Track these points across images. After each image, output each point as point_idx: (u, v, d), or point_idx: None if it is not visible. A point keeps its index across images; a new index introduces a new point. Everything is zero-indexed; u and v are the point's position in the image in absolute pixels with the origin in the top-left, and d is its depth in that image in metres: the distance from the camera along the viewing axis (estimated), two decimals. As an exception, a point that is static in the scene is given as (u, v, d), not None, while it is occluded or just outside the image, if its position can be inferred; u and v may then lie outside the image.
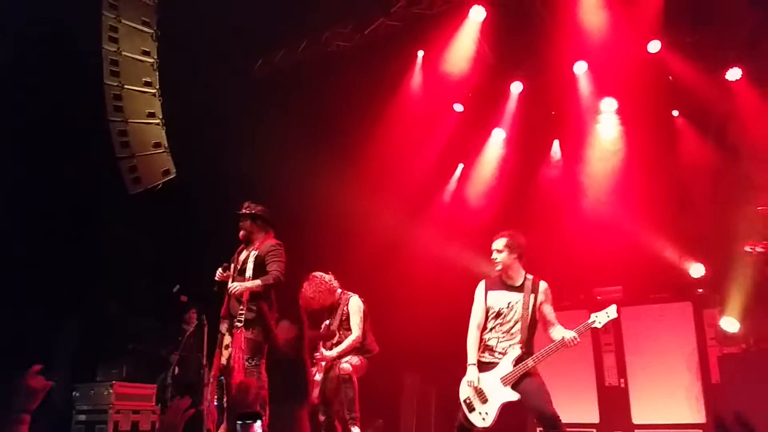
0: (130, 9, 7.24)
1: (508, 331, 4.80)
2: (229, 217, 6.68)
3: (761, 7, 7.33)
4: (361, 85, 9.08)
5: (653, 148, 8.68)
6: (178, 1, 7.60)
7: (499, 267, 4.87)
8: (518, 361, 4.70)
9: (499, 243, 4.89)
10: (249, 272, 5.55)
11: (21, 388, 2.72)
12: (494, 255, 4.88)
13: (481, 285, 5.00)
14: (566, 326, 4.77)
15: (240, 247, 5.81)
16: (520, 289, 4.84)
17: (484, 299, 4.92)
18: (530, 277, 4.91)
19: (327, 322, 6.29)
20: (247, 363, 5.31)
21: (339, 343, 6.06)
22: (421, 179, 9.75)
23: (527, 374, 4.68)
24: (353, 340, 5.97)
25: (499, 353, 4.79)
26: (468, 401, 4.81)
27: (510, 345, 4.76)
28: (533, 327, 4.81)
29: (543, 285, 4.89)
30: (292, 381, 3.86)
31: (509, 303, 4.82)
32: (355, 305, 6.13)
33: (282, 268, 5.54)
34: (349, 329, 6.07)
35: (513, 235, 4.95)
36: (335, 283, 6.25)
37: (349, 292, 6.28)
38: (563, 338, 4.64)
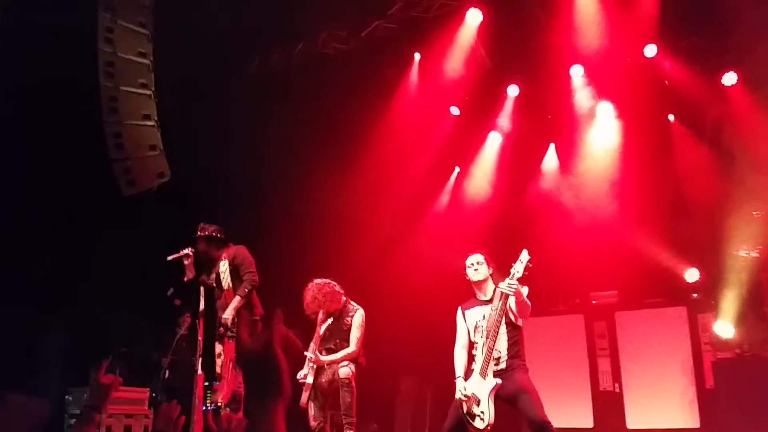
0: (126, 10, 7.20)
1: (485, 336, 4.95)
2: (223, 220, 6.68)
3: (756, 12, 7.34)
4: (357, 87, 9.05)
5: (649, 152, 8.69)
6: (173, 1, 7.57)
7: (481, 277, 5.12)
8: (487, 352, 4.80)
9: (479, 257, 5.19)
10: (227, 281, 6.15)
11: (93, 387, 2.65)
12: (475, 267, 5.13)
13: (459, 310, 5.26)
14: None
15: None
16: (491, 300, 5.08)
17: (464, 320, 5.19)
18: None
19: (325, 325, 6.15)
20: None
21: (333, 350, 5.97)
22: (417, 182, 9.72)
23: (513, 371, 4.77)
24: (349, 354, 5.88)
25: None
26: (468, 411, 4.83)
27: (485, 346, 4.90)
28: (510, 324, 4.93)
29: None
30: (263, 377, 3.75)
31: (483, 315, 5.06)
32: (359, 320, 6.03)
33: (253, 270, 6.13)
34: (346, 340, 5.98)
35: (487, 254, 5.26)
36: (339, 289, 6.17)
37: (354, 304, 6.18)
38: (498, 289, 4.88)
